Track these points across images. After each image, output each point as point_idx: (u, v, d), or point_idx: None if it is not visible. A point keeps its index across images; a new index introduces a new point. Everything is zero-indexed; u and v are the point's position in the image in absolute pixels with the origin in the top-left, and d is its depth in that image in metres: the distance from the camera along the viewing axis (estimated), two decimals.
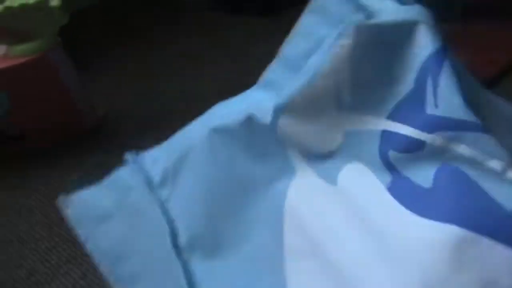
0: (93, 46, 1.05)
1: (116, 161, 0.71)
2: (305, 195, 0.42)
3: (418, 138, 0.39)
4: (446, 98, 0.38)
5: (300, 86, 0.41)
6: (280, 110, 0.42)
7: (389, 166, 0.39)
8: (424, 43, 0.40)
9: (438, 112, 0.39)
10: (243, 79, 0.52)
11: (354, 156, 0.41)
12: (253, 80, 0.49)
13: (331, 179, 0.42)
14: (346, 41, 0.40)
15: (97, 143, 0.75)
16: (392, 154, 0.39)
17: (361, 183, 0.40)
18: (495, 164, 0.36)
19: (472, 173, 0.37)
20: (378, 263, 0.36)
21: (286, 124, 0.42)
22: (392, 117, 0.40)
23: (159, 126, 0.76)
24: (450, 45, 0.41)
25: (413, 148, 0.39)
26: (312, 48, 0.44)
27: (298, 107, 0.42)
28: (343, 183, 0.41)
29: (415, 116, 0.39)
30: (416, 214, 0.37)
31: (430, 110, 0.39)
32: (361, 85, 0.41)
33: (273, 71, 0.46)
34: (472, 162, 0.37)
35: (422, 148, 0.39)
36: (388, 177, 0.40)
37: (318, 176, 0.42)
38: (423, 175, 0.38)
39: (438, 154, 0.38)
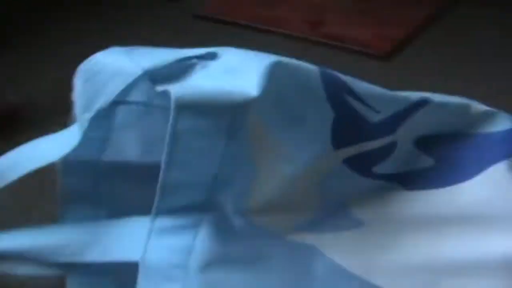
0: None
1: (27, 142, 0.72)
2: None
3: (386, 143, 0.41)
4: (376, 98, 0.41)
5: None
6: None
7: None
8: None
9: (383, 115, 0.41)
10: None
11: None
12: None
13: None
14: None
15: (12, 130, 0.75)
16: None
17: None
18: None
19: None
20: None
21: None
22: (338, 145, 0.40)
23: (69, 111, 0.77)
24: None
25: (388, 152, 0.41)
26: None
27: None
28: None
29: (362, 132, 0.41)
30: None
31: (372, 118, 0.41)
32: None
33: None
34: None
35: (394, 149, 0.41)
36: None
37: None
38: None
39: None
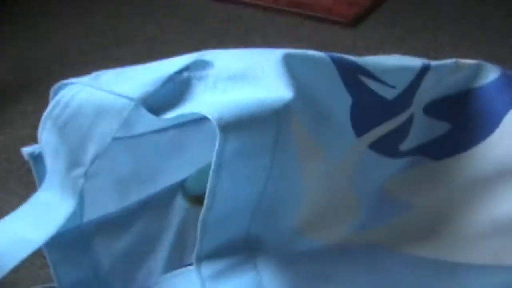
0: None
1: None
2: None
3: (406, 118, 0.39)
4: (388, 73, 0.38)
5: None
6: None
7: None
8: None
9: (398, 89, 0.38)
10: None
11: None
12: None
13: None
14: None
15: None
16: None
17: None
18: None
19: None
20: None
21: None
22: (360, 131, 0.37)
23: (37, 91, 0.76)
24: None
25: (408, 126, 0.40)
26: None
27: None
28: None
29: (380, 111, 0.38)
30: None
31: (389, 95, 0.38)
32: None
33: None
34: None
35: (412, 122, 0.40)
36: None
37: None
38: None
39: None
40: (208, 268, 0.30)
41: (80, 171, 0.34)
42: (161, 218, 0.44)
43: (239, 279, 0.30)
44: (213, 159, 0.28)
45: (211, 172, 0.29)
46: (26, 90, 0.76)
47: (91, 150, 0.34)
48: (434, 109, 0.41)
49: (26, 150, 0.38)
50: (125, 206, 0.42)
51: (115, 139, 0.35)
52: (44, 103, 0.73)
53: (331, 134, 0.34)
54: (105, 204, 0.42)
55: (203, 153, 0.44)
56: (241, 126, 0.29)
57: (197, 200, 0.45)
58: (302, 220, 0.33)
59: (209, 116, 0.29)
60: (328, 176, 0.34)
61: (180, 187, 0.44)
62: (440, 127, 0.41)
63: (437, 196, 0.38)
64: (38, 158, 0.37)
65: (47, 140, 0.36)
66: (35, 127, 0.69)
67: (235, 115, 0.29)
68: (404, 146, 0.39)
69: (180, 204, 0.45)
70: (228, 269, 0.30)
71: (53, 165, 0.35)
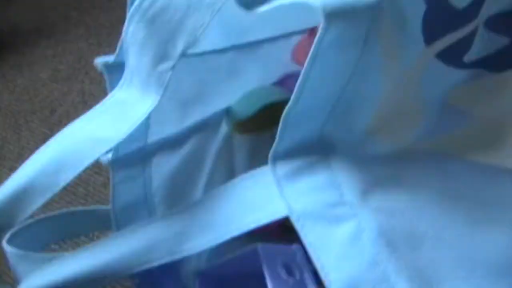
0: None
1: (10, 68, 0.74)
2: None
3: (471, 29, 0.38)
4: None
5: None
6: None
7: None
8: None
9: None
10: None
11: None
12: None
13: None
14: None
15: None
16: None
17: None
18: None
19: None
20: None
21: None
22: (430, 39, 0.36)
23: (55, 36, 0.80)
24: None
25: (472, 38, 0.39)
26: None
27: None
28: None
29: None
30: None
31: (459, 4, 0.37)
32: None
33: None
34: None
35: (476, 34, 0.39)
36: None
37: None
38: None
39: None
40: (282, 167, 0.30)
41: (167, 65, 0.34)
42: (207, 142, 0.45)
43: (313, 177, 0.30)
44: (312, 50, 0.28)
45: (306, 64, 0.28)
46: (45, 35, 0.77)
47: (180, 43, 0.33)
48: (494, 23, 0.40)
49: (99, 60, 0.37)
50: (180, 129, 0.43)
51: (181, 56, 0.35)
52: (63, 47, 0.77)
53: (406, 40, 0.34)
54: (167, 126, 0.42)
55: (255, 79, 0.45)
56: (342, 16, 0.29)
57: (238, 126, 0.46)
58: (374, 122, 0.33)
59: (313, 4, 0.28)
60: (399, 81, 0.34)
61: (226, 111, 0.45)
62: (500, 42, 0.40)
63: (498, 107, 0.38)
64: (111, 68, 0.37)
65: (133, 34, 0.34)
66: (55, 70, 0.74)
67: (337, 5, 0.28)
68: (467, 58, 0.38)
69: (223, 129, 0.46)
70: (302, 168, 0.30)
71: (138, 61, 0.35)
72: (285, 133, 0.29)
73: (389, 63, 0.32)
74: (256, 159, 0.41)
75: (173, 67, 0.33)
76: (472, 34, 0.39)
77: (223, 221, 0.31)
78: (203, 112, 0.44)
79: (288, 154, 0.30)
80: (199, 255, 0.41)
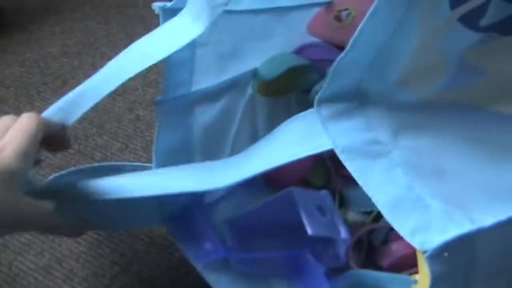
0: None
1: (18, 44, 0.76)
2: None
3: None
4: None
5: None
6: None
7: None
8: None
9: None
10: None
11: None
12: None
13: None
14: None
15: None
16: None
17: None
18: None
19: None
20: None
21: None
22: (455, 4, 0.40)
23: (63, 13, 0.80)
24: None
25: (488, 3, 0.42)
26: None
27: None
28: None
29: None
30: None
31: None
32: None
33: None
34: None
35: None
36: None
37: None
38: None
39: None
40: (326, 110, 0.34)
41: (223, 1, 0.38)
42: (237, 100, 0.49)
43: (352, 120, 0.34)
44: (373, 6, 0.32)
45: (365, 18, 0.32)
46: (51, 13, 0.79)
47: None
48: None
49: (156, 4, 0.41)
50: (218, 82, 0.47)
51: (225, 12, 0.39)
52: (71, 25, 0.78)
53: (437, 2, 0.38)
54: (207, 77, 0.46)
55: (281, 43, 0.50)
56: None
57: (262, 87, 0.49)
58: (405, 74, 0.37)
59: None
60: (428, 38, 0.38)
61: (253, 72, 0.49)
62: (511, 9, 0.44)
63: (509, 64, 0.42)
64: (167, 11, 0.41)
65: None
66: (65, 45, 0.75)
67: None
68: (483, 22, 0.42)
69: (249, 90, 0.50)
70: (342, 112, 0.34)
71: None
72: (333, 80, 0.34)
73: (424, 21, 0.37)
74: (274, 122, 0.44)
75: (227, 4, 0.37)
76: (488, 1, 0.43)
77: (277, 150, 0.35)
78: (238, 69, 0.48)
79: (331, 99, 0.35)
80: (228, 204, 0.46)
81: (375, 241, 0.47)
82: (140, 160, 0.58)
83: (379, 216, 0.47)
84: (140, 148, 0.59)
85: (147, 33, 0.65)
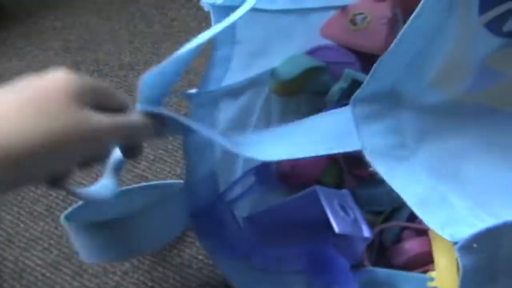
0: None
1: (17, 37, 0.75)
2: None
3: None
4: None
5: None
6: None
7: None
8: None
9: None
10: None
11: None
12: None
13: None
14: None
15: None
16: None
17: None
18: None
19: None
20: None
21: None
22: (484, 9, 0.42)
23: (62, 9, 0.79)
24: None
25: None
26: None
27: None
28: None
29: None
30: None
31: None
32: None
33: None
34: None
35: None
36: None
37: None
38: None
39: None
40: (360, 110, 0.35)
41: None
42: (257, 98, 0.50)
43: (383, 122, 0.36)
44: (418, 8, 0.33)
45: (409, 20, 0.34)
46: (50, 7, 0.78)
47: None
48: None
49: (205, 1, 0.42)
50: (241, 80, 0.48)
51: (255, 10, 0.41)
52: (72, 20, 0.77)
53: (469, 9, 0.39)
54: (234, 73, 0.46)
55: (300, 44, 0.51)
56: None
57: (279, 87, 0.50)
58: (436, 76, 0.39)
59: None
60: (459, 43, 0.40)
61: (271, 72, 0.50)
62: None
63: None
64: (217, 8, 0.42)
65: None
66: (66, 40, 0.75)
67: None
68: (506, 27, 0.44)
69: (266, 89, 0.51)
70: (375, 113, 0.36)
71: None
72: (371, 80, 0.35)
73: (459, 27, 0.38)
74: (285, 121, 0.45)
75: None
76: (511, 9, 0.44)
77: (310, 142, 0.36)
78: (260, 67, 0.49)
79: (366, 100, 0.36)
80: (246, 202, 0.46)
81: (386, 241, 0.48)
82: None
83: (389, 216, 0.48)
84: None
85: (149, 30, 0.66)
